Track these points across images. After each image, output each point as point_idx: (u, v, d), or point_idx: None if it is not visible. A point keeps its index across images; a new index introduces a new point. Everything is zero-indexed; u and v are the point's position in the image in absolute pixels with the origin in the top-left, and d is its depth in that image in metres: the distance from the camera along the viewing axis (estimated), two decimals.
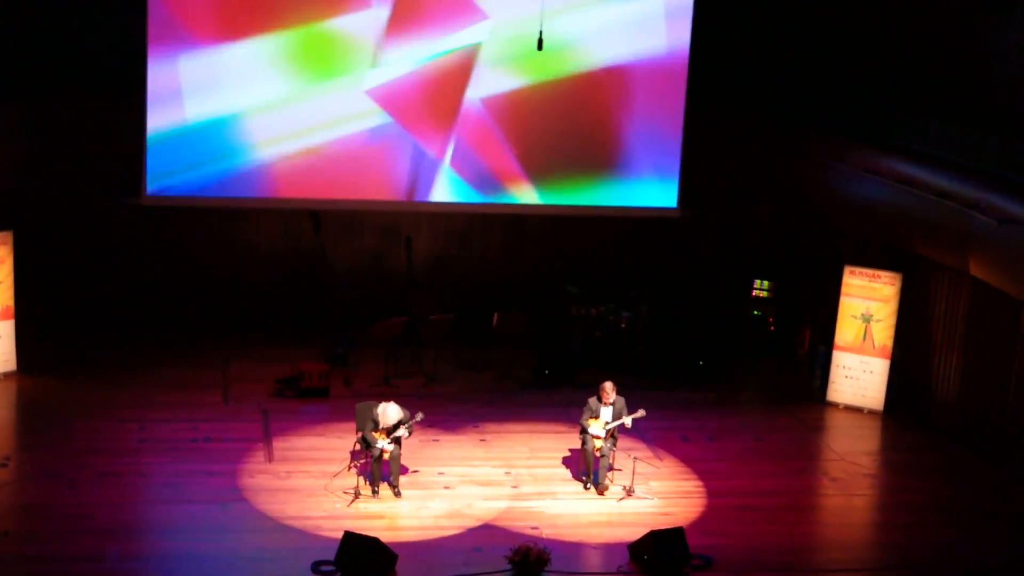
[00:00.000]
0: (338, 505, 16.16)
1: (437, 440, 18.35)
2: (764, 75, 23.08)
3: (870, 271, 20.58)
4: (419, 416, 16.62)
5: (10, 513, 15.50)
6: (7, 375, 19.87)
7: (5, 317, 19.85)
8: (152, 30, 20.62)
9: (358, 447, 16.73)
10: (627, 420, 16.78)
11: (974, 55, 20.20)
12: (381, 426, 16.32)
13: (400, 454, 16.51)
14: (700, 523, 16.21)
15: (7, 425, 18.48)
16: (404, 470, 16.78)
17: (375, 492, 16.40)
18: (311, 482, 16.76)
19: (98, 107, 21.56)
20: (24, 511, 15.68)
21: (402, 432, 16.40)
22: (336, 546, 14.50)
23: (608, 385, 16.82)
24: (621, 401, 16.85)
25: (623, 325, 22.31)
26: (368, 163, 21.81)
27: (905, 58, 21.46)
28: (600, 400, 16.82)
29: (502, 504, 16.54)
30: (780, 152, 23.24)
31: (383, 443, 16.28)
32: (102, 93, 21.27)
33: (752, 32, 23.17)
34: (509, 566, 14.58)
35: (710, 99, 22.70)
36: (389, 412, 16.39)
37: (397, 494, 16.45)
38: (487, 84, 21.87)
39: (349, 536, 14.53)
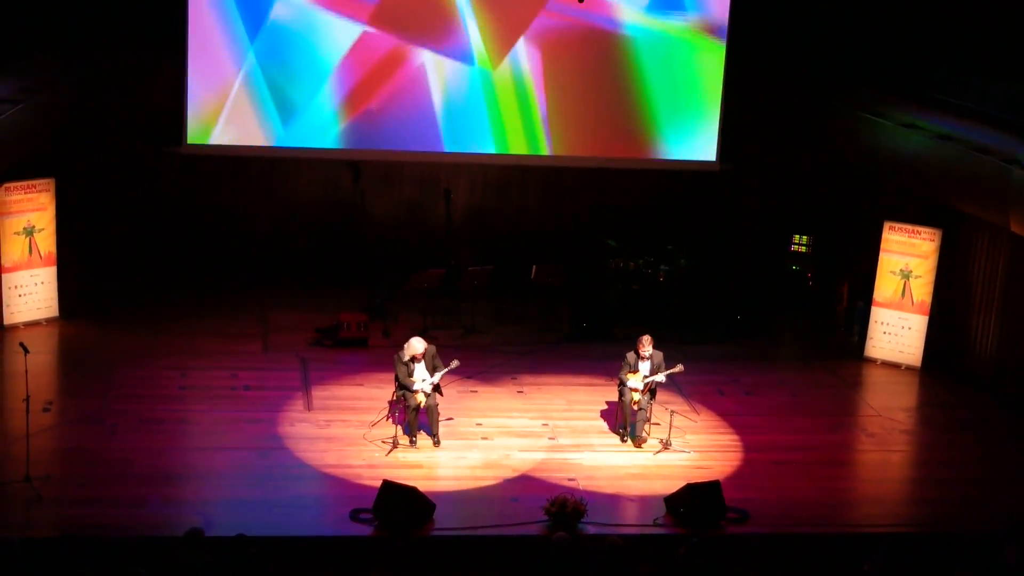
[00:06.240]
0: (376, 454, 16.27)
1: (475, 391, 18.43)
2: (804, 28, 22.90)
3: (910, 227, 20.47)
4: (454, 363, 16.66)
5: (52, 457, 15.64)
6: (49, 321, 20.06)
7: (48, 263, 20.01)
8: None
9: (396, 396, 16.82)
10: (661, 376, 16.81)
11: (1017, 7, 20.00)
12: (407, 357, 16.39)
13: (438, 404, 16.62)
14: (736, 477, 16.25)
15: (49, 370, 18.60)
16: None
17: (412, 442, 16.50)
18: (350, 431, 16.89)
19: (140, 56, 21.65)
20: (66, 455, 15.84)
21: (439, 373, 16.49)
22: (374, 495, 14.61)
23: (646, 338, 16.82)
24: (659, 355, 16.86)
25: (661, 279, 22.31)
26: (408, 113, 21.80)
27: (947, 10, 21.26)
28: (637, 354, 16.84)
29: (539, 455, 16.61)
30: (820, 106, 23.10)
31: (421, 381, 16.35)
32: (144, 41, 21.31)
33: None
34: (546, 517, 14.64)
35: (749, 53, 22.58)
36: (414, 343, 16.48)
37: (437, 443, 16.56)
38: (530, 33, 21.88)
39: (387, 485, 14.62)
